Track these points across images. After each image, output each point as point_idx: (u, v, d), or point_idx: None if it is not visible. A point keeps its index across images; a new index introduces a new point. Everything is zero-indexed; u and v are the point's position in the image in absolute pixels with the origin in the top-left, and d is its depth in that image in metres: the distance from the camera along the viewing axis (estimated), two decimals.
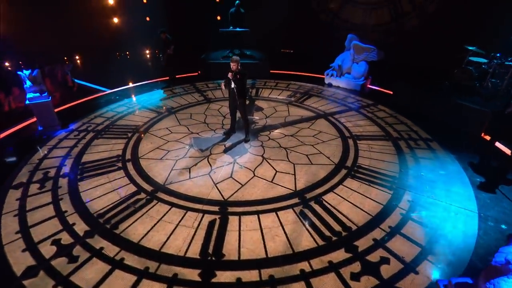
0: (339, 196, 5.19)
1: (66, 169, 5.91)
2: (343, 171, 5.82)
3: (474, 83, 7.70)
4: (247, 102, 7.67)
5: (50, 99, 7.24)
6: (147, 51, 14.38)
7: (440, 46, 10.38)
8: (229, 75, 6.14)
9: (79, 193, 5.27)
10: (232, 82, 6.31)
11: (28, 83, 6.88)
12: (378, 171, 5.79)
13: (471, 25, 9.27)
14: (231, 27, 11.14)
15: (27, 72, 6.82)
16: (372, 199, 5.09)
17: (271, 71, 11.35)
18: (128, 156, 6.35)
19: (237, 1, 10.90)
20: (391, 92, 9.51)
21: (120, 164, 6.07)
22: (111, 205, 5.01)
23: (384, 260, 3.97)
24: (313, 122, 7.66)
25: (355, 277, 3.77)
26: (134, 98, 9.28)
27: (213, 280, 3.78)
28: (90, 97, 9.54)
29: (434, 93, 8.09)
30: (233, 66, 6.13)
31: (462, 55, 8.18)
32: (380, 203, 5.00)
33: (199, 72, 11.28)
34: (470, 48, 7.94)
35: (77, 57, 13.55)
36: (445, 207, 4.89)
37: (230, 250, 4.18)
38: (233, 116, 6.93)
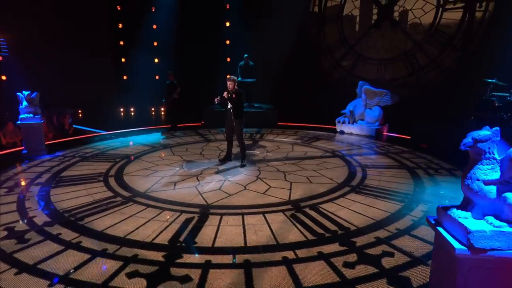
0: (339, 205, 5.13)
1: (41, 180, 6.19)
2: (347, 188, 5.82)
3: (499, 114, 8.00)
4: (246, 138, 8.12)
5: (42, 122, 7.96)
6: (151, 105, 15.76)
7: (460, 97, 11.00)
8: (225, 94, 6.77)
9: (49, 196, 5.45)
10: (229, 103, 6.88)
11: (25, 103, 7.72)
12: (388, 189, 5.77)
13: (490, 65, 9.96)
14: (239, 78, 12.38)
15: (26, 93, 7.71)
16: (377, 208, 5.00)
17: (278, 123, 12.05)
18: (111, 173, 6.64)
19: (246, 55, 12.39)
20: (409, 137, 9.82)
21: (101, 178, 6.31)
22: (81, 205, 5.14)
23: (387, 254, 3.77)
24: (318, 156, 7.89)
25: (349, 265, 3.56)
26: (130, 137, 9.95)
27: (178, 260, 3.65)
28: (84, 135, 10.29)
29: (457, 127, 8.35)
30: (229, 85, 6.82)
31: (484, 91, 8.69)
32: (387, 211, 4.90)
33: (203, 122, 12.11)
34: (490, 80, 8.50)
35: (79, 111, 14.97)
36: None
37: (204, 239, 4.10)
38: (229, 140, 7.33)
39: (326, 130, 11.12)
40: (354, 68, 14.67)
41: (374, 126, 10.48)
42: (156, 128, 11.38)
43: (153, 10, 15.33)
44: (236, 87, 6.95)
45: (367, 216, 4.71)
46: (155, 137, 10.07)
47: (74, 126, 11.73)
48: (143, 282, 3.27)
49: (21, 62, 14.24)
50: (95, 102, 15.08)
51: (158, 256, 3.73)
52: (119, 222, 4.55)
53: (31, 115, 7.81)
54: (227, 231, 4.29)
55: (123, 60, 15.55)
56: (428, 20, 12.86)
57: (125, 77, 15.74)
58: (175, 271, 3.46)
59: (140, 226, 4.44)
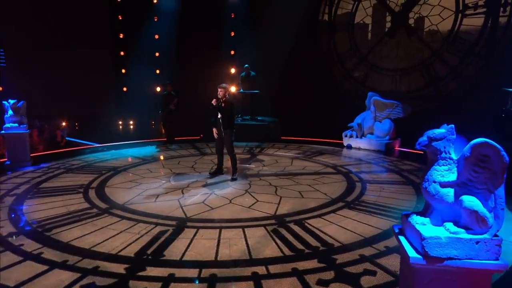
0: (328, 221, 5.10)
1: (17, 191, 6.39)
2: (340, 204, 5.79)
3: None
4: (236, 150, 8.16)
5: (28, 131, 8.25)
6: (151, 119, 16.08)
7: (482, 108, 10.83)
8: (213, 101, 6.91)
9: (22, 207, 5.60)
10: (219, 113, 7.01)
11: (10, 112, 8.05)
12: (386, 205, 5.70)
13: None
14: (241, 90, 12.57)
15: (11, 102, 8.04)
16: (369, 225, 4.94)
17: (282, 137, 12.08)
18: (93, 185, 6.79)
19: (246, 65, 12.62)
20: (422, 152, 9.66)
21: (81, 190, 6.47)
22: (53, 216, 5.27)
23: (369, 272, 3.71)
24: (317, 171, 7.87)
25: (323, 283, 3.51)
26: (122, 150, 10.16)
27: (140, 273, 3.68)
28: (74, 147, 10.58)
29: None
30: (219, 92, 6.96)
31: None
32: (379, 228, 4.83)
33: (202, 135, 12.26)
34: (510, 90, 8.39)
35: (76, 123, 15.42)
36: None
37: (173, 252, 4.13)
38: (219, 153, 7.42)
39: (333, 144, 11.09)
40: (366, 79, 14.70)
41: (384, 140, 10.39)
42: (152, 141, 11.59)
43: (156, 19, 15.86)
44: (227, 95, 7.06)
45: (355, 233, 4.65)
46: (149, 150, 10.25)
47: (67, 138, 12.06)
48: None
49: (19, 73, 14.88)
50: (94, 114, 15.52)
51: (119, 268, 3.77)
52: (88, 233, 4.63)
53: (16, 124, 8.11)
54: (200, 245, 4.31)
55: (123, 71, 16.02)
56: (446, 27, 12.85)
57: (125, 89, 16.19)
58: (134, 284, 3.49)
59: (109, 238, 4.50)
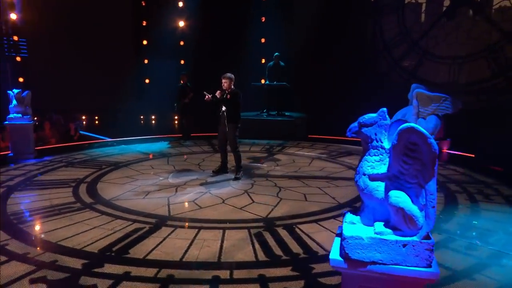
0: (323, 226, 5.05)
1: (10, 183, 6.93)
2: (346, 209, 5.66)
3: None
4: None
5: (31, 122, 8.90)
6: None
7: None
8: (217, 93, 7.05)
9: (7, 199, 6.09)
10: (223, 105, 7.15)
11: (14, 102, 8.73)
12: None
13: None
14: (267, 82, 12.63)
15: (16, 91, 8.73)
16: None
17: (309, 135, 12.00)
18: (88, 180, 7.21)
19: (276, 53, 12.64)
20: (473, 155, 9.23)
21: (73, 184, 6.90)
22: (33, 209, 5.69)
23: None
24: (334, 173, 7.78)
25: None
26: (132, 145, 10.64)
27: (96, 270, 3.90)
28: (85, 141, 11.24)
29: None
30: (224, 83, 7.10)
31: None
32: None
33: None
34: None
35: (95, 117, 16.33)
36: (493, 253, 4.38)
37: (139, 251, 4.31)
38: (223, 149, 7.56)
39: None
40: (418, 69, 14.15)
41: None
42: (168, 137, 12.00)
43: (181, 5, 16.32)
44: (233, 86, 7.18)
45: None
46: (159, 146, 10.64)
47: (80, 132, 12.82)
48: (43, 287, 3.55)
49: (40, 64, 16.02)
50: (114, 107, 16.33)
51: (77, 263, 4.01)
52: (61, 227, 4.95)
53: (20, 115, 8.76)
54: (170, 244, 4.47)
55: (146, 61, 16.69)
56: None
57: (147, 81, 16.84)
58: (85, 280, 3.70)
59: (81, 233, 4.79)
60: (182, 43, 16.41)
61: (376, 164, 2.14)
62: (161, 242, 4.54)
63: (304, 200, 6.07)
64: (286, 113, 12.84)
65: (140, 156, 9.35)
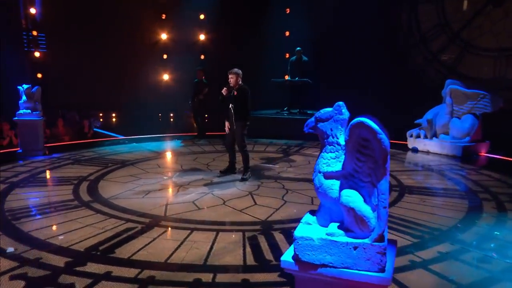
0: None
1: (13, 180, 7.31)
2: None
3: None
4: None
5: (41, 119, 9.32)
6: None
7: None
8: (224, 90, 7.17)
9: (6, 196, 6.42)
10: (230, 103, 7.26)
11: (24, 98, 9.17)
12: (412, 221, 5.46)
13: None
14: (289, 78, 12.66)
15: (25, 87, 9.17)
16: None
17: None
18: (91, 178, 7.50)
19: (298, 48, 12.64)
20: None
21: (75, 182, 7.20)
22: (30, 205, 5.99)
23: None
24: None
25: None
26: (143, 143, 10.94)
27: (78, 268, 4.07)
28: (98, 139, 11.65)
29: None
30: (230, 79, 7.20)
31: None
32: None
33: None
34: None
35: (113, 114, 16.84)
36: (509, 267, 4.27)
37: (125, 250, 4.46)
38: (230, 148, 7.66)
39: (397, 146, 10.68)
40: (459, 63, 13.78)
41: (462, 142, 9.72)
42: (182, 135, 12.24)
43: None
44: (240, 82, 7.27)
45: None
46: (172, 145, 10.89)
47: (95, 129, 13.28)
48: (21, 284, 3.76)
49: (59, 60, 16.67)
50: (132, 104, 16.77)
51: (60, 261, 4.20)
52: (52, 225, 5.20)
53: (29, 111, 9.20)
54: (159, 245, 4.60)
55: (164, 56, 17.05)
56: None
57: (166, 76, 17.20)
58: (64, 278, 3.87)
59: (71, 231, 5.00)
60: (202, 36, 16.61)
61: (331, 161, 2.16)
62: (149, 242, 4.67)
63: (310, 203, 6.07)
64: (308, 112, 12.77)
65: (149, 154, 9.60)
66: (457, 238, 4.98)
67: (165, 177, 7.48)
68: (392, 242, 2.37)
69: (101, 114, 16.99)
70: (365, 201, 2.05)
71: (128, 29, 16.20)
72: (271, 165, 8.42)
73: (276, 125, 11.96)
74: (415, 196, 6.57)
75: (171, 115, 17.20)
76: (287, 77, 12.96)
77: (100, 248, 4.53)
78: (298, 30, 14.56)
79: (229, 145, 7.55)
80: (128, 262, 4.19)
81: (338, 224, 2.17)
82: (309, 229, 2.18)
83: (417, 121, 10.46)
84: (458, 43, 13.85)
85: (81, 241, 4.71)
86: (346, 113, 2.16)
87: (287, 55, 14.99)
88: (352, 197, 2.03)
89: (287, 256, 2.21)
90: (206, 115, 11.75)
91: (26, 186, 7.03)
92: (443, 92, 10.39)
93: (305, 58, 12.66)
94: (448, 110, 10.06)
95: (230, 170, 7.66)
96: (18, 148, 9.39)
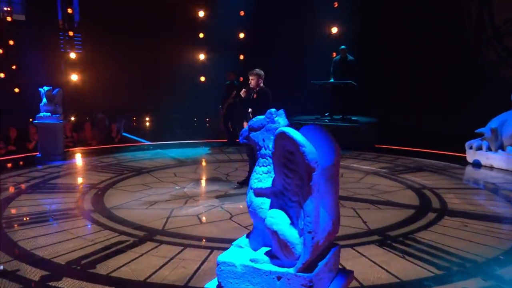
0: None
1: (24, 185, 7.70)
2: (373, 237, 5.45)
3: None
4: None
5: (61, 122, 9.76)
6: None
7: None
8: (242, 92, 7.16)
9: (9, 202, 6.75)
10: (249, 107, 7.25)
11: (44, 100, 9.65)
12: (444, 249, 5.14)
13: None
14: (332, 80, 12.44)
15: (46, 89, 9.65)
16: (383, 268, 4.57)
17: (377, 145, 11.57)
18: (101, 185, 7.74)
19: (342, 46, 12.41)
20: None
21: (84, 189, 7.46)
22: (27, 214, 6.26)
23: None
24: (384, 193, 7.49)
25: None
26: (168, 150, 11.17)
27: (51, 283, 4.18)
28: (123, 144, 12.06)
29: None
30: (251, 80, 7.18)
31: None
32: (398, 276, 4.43)
33: None
34: None
35: (147, 118, 17.36)
36: None
37: (107, 266, 4.52)
38: (250, 157, 7.61)
39: (454, 159, 10.19)
40: None
41: None
42: (212, 142, 12.39)
43: None
44: (261, 84, 7.24)
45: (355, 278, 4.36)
46: (197, 152, 11.03)
47: (123, 134, 13.74)
48: None
49: (94, 61, 17.45)
50: (166, 108, 17.21)
51: (36, 275, 4.32)
52: (44, 235, 5.38)
53: (49, 114, 9.66)
54: (144, 262, 4.62)
55: (202, 57, 17.34)
56: None
57: (202, 79, 17.49)
58: None
59: (61, 242, 5.15)
60: (242, 35, 16.73)
61: (263, 176, 2.06)
62: (136, 258, 4.70)
63: None
64: (353, 118, 12.47)
65: (170, 162, 9.78)
66: (493, 273, 4.59)
67: (177, 187, 7.55)
68: (345, 273, 2.22)
69: (134, 118, 17.55)
70: (292, 223, 1.93)
71: (164, 28, 16.62)
72: None
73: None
74: (456, 219, 6.19)
75: (207, 119, 17.41)
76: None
77: (82, 262, 4.62)
78: (346, 26, 14.25)
79: (249, 154, 7.49)
80: (105, 279, 4.24)
81: (269, 248, 2.05)
82: (237, 253, 2.09)
83: (478, 130, 9.82)
84: None
85: (66, 253, 4.83)
86: (281, 121, 2.04)
87: (334, 55, 14.62)
88: (276, 219, 1.92)
89: (213, 284, 2.12)
90: (235, 120, 11.74)
91: (34, 192, 7.36)
92: None
93: (350, 57, 12.37)
94: None
95: (248, 181, 7.58)
96: (38, 153, 9.82)
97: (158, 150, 11.31)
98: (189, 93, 17.06)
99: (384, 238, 5.43)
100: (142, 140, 13.11)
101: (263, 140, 2.06)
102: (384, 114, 12.90)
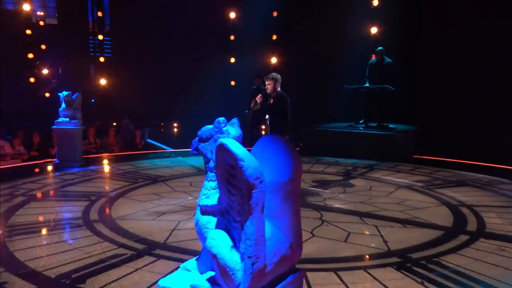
0: (339, 277, 4.72)
1: (35, 192, 7.89)
2: (392, 259, 5.23)
3: None
4: None
5: (80, 127, 9.96)
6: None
7: None
8: (258, 97, 7.08)
9: (17, 210, 6.91)
10: (266, 114, 7.17)
11: (63, 105, 9.88)
12: (466, 274, 4.87)
13: None
14: (367, 84, 12.17)
15: (65, 93, 9.88)
16: None
17: (416, 156, 11.21)
18: (112, 194, 7.84)
19: (379, 47, 12.11)
20: None
21: (94, 198, 7.57)
22: (31, 222, 6.35)
23: None
24: (414, 209, 7.22)
25: None
26: (189, 158, 11.20)
27: None
28: (143, 151, 12.21)
29: None
30: (268, 85, 7.10)
31: None
32: None
33: (302, 144, 12.34)
34: None
35: (175, 124, 17.56)
36: None
37: (97, 281, 4.50)
38: None
39: (503, 173, 9.71)
40: None
41: None
42: None
43: None
44: (279, 89, 7.14)
45: None
46: None
47: (147, 140, 13.93)
48: None
49: (123, 66, 17.83)
50: (195, 113, 17.31)
51: None
52: (42, 245, 5.48)
53: (68, 119, 9.87)
54: (136, 278, 4.57)
55: (232, 60, 17.39)
56: None
57: (233, 83, 17.52)
58: None
59: (56, 253, 5.20)
60: (274, 37, 16.68)
61: (211, 192, 1.96)
62: (129, 273, 4.66)
63: (343, 240, 5.71)
64: (390, 126, 12.13)
65: (189, 170, 9.80)
66: None
67: (189, 198, 7.53)
68: None
69: (162, 124, 17.77)
70: (235, 246, 1.80)
71: (194, 32, 16.79)
72: (320, 190, 8.08)
73: (346, 141, 11.51)
74: (493, 242, 5.84)
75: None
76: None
77: (73, 276, 4.63)
78: (386, 27, 13.92)
79: None
80: None
81: (214, 273, 1.93)
82: (181, 277, 1.98)
83: None
84: None
85: (59, 266, 4.85)
86: (232, 132, 1.92)
87: (373, 56, 14.19)
88: (217, 241, 1.80)
89: None
90: (263, 127, 11.66)
91: (43, 200, 7.53)
92: None
93: (388, 59, 12.03)
94: None
95: None
96: (56, 159, 10.06)
97: (179, 157, 11.35)
98: (219, 98, 17.09)
99: (404, 260, 5.18)
100: (166, 147, 13.22)
101: (211, 152, 1.93)
102: (426, 122, 12.44)
